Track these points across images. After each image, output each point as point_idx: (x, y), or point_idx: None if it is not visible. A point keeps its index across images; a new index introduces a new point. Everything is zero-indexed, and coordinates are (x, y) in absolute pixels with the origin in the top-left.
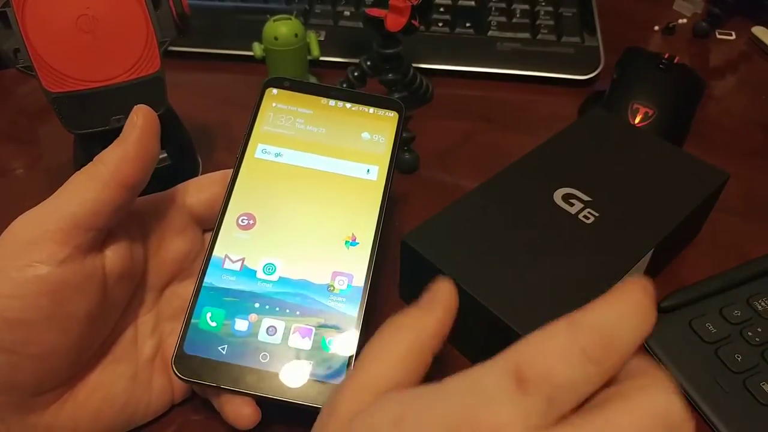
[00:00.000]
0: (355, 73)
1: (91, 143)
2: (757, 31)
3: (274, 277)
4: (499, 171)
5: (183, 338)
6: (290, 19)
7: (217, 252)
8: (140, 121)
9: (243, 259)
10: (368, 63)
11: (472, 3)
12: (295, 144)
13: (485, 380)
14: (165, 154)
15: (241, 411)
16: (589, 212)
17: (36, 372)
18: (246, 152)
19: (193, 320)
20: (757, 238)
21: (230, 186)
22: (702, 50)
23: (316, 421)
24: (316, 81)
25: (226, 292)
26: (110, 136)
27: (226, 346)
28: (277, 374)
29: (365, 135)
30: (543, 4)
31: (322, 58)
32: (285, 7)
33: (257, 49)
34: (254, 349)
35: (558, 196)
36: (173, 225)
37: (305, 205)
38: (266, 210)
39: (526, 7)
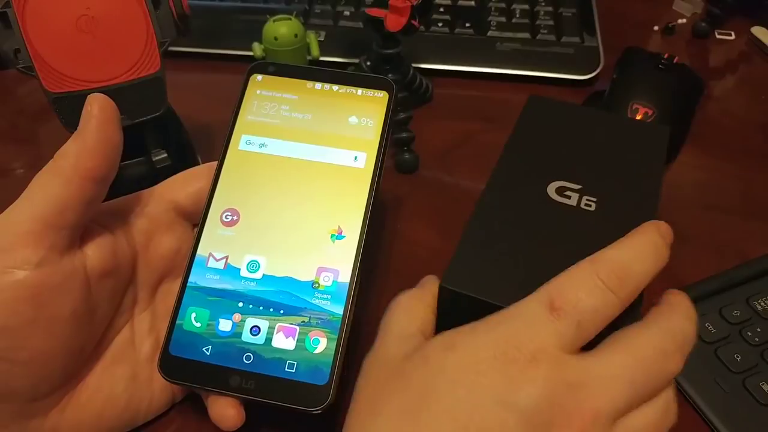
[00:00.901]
0: None
1: None
2: (757, 31)
3: (258, 275)
4: (487, 183)
5: (168, 340)
6: (290, 19)
7: (201, 250)
8: (95, 109)
9: (227, 257)
10: (368, 63)
11: (472, 3)
12: (280, 133)
13: (524, 311)
14: (165, 154)
15: (225, 412)
16: (587, 200)
17: (29, 377)
18: (230, 145)
19: (178, 321)
20: (757, 238)
21: (214, 181)
22: (701, 50)
23: (360, 375)
24: None
25: (211, 291)
26: None
27: (210, 346)
28: (261, 375)
29: (353, 119)
30: (543, 4)
31: (321, 58)
32: (285, 7)
33: (257, 49)
34: (238, 349)
35: (552, 191)
36: (160, 221)
37: (290, 198)
38: (250, 205)
39: (526, 7)
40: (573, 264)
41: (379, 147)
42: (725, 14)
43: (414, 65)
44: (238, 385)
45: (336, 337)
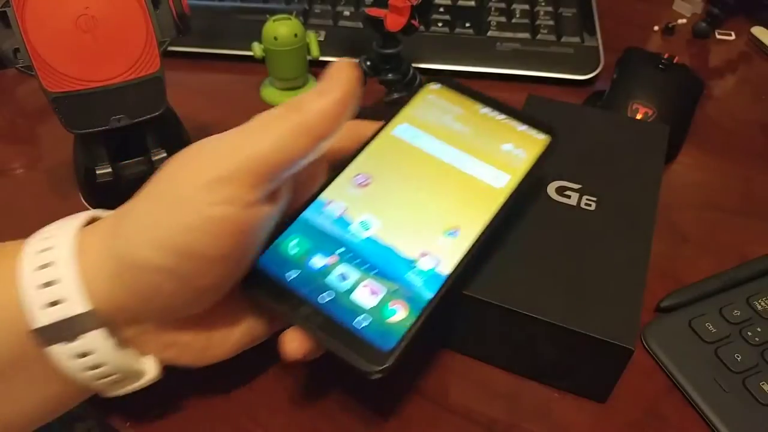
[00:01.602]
0: None
1: (91, 143)
2: (757, 31)
3: (366, 234)
4: None
5: (261, 252)
6: (290, 19)
7: (324, 195)
8: (345, 77)
9: (345, 209)
10: (368, 63)
11: (472, 3)
12: (436, 132)
13: None
14: (165, 154)
15: (287, 344)
16: (587, 199)
17: (194, 302)
18: (385, 127)
19: (277, 240)
20: (757, 238)
21: (359, 149)
22: (701, 50)
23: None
24: (315, 81)
25: (318, 229)
26: (110, 135)
27: (295, 273)
28: (330, 317)
29: (507, 146)
30: (543, 4)
31: (321, 58)
32: (285, 7)
33: (257, 49)
34: (319, 286)
35: (552, 191)
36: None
37: (422, 187)
38: (383, 177)
39: (526, 7)
40: (578, 262)
41: (523, 177)
42: (725, 14)
43: (414, 65)
44: (306, 316)
45: (416, 315)
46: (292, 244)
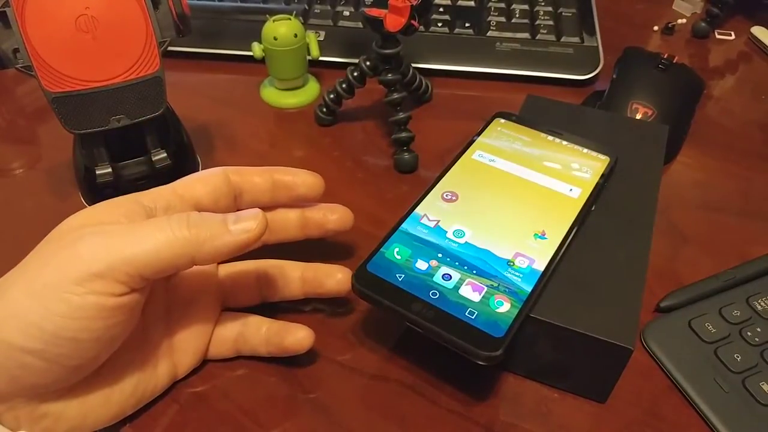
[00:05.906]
0: (355, 74)
1: (90, 143)
2: (757, 31)
3: (461, 241)
4: None
5: (368, 259)
6: (289, 19)
7: (419, 210)
8: (254, 232)
9: (438, 221)
10: (367, 63)
11: (472, 3)
12: (510, 157)
13: None
14: (164, 154)
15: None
16: None
17: (65, 378)
18: (464, 153)
19: (382, 249)
20: (757, 238)
21: (443, 171)
22: (701, 50)
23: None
24: (315, 81)
25: (417, 239)
26: (110, 135)
27: (403, 275)
28: (442, 310)
29: (574, 165)
30: (542, 4)
31: (321, 58)
32: (284, 7)
33: (257, 49)
34: (427, 285)
35: None
36: None
37: (506, 200)
38: (469, 193)
39: (526, 7)
40: (573, 263)
41: (593, 189)
42: (725, 14)
43: (414, 65)
44: (419, 311)
45: (519, 306)
46: (395, 252)
